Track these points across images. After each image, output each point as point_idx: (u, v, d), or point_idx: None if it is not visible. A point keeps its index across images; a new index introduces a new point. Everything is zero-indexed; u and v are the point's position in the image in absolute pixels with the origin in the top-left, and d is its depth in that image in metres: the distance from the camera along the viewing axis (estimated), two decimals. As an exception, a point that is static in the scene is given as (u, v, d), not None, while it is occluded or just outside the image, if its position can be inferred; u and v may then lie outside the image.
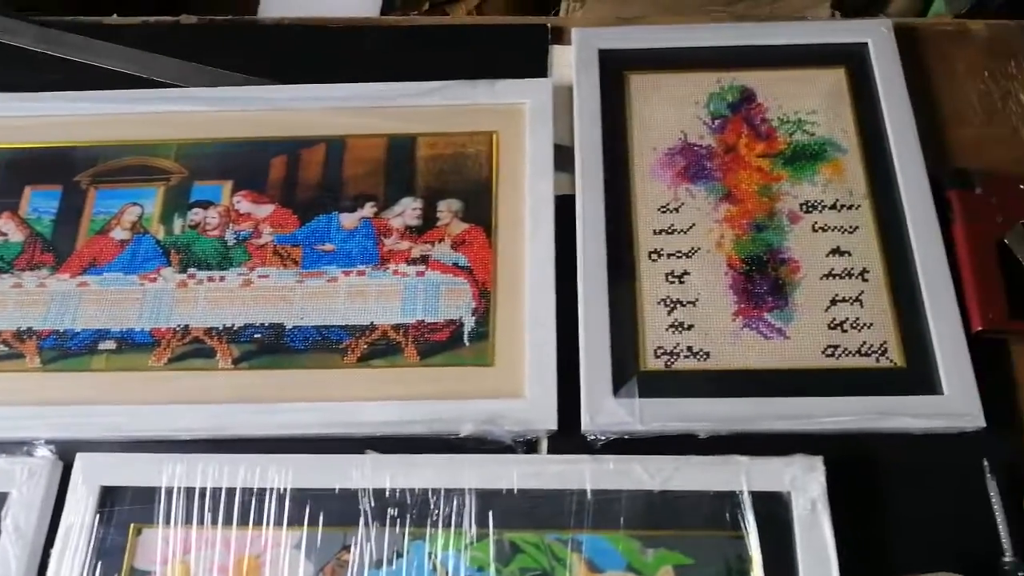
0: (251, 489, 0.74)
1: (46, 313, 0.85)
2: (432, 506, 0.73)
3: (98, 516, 0.74)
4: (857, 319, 0.80)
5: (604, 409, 0.76)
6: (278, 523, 0.73)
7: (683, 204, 0.87)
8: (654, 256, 0.84)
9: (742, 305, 0.82)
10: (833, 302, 0.81)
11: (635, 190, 0.87)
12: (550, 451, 0.77)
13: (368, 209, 0.88)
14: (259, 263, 0.86)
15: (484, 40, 1.01)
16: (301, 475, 0.75)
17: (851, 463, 0.74)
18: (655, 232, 0.85)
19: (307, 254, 0.87)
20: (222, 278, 0.86)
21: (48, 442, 0.78)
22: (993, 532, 0.71)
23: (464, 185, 0.89)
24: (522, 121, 0.91)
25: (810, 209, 0.86)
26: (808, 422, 0.75)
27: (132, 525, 0.74)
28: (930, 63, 0.95)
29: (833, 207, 0.86)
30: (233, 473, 0.75)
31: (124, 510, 0.75)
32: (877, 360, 0.78)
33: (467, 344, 0.81)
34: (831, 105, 0.91)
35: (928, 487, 0.75)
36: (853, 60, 0.93)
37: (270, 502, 0.74)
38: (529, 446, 0.77)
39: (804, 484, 0.72)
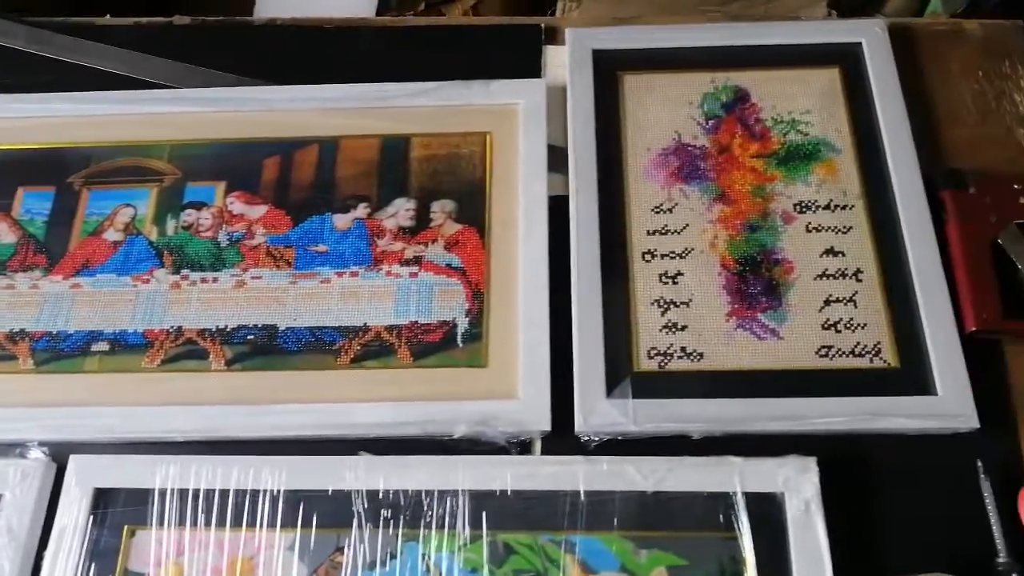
0: (244, 491, 0.74)
1: (39, 315, 0.85)
2: (426, 507, 0.73)
3: (91, 518, 0.74)
4: (851, 320, 0.80)
5: (597, 410, 0.76)
6: (271, 525, 0.73)
7: (677, 205, 0.87)
8: (648, 257, 0.84)
9: (736, 306, 0.81)
10: (827, 303, 0.81)
11: (629, 191, 0.87)
12: (544, 452, 0.77)
13: (361, 210, 0.88)
14: (252, 264, 0.86)
15: (478, 40, 1.01)
16: (294, 476, 0.75)
17: (845, 464, 0.74)
18: (649, 233, 0.85)
19: (300, 255, 0.86)
20: (215, 279, 0.86)
21: (41, 444, 0.78)
22: (987, 533, 0.71)
23: (458, 186, 0.89)
24: (516, 122, 0.90)
25: (804, 209, 0.86)
26: (802, 423, 0.75)
27: (126, 527, 0.74)
28: (924, 63, 0.95)
29: (827, 207, 0.86)
30: (226, 475, 0.75)
31: (117, 512, 0.75)
32: (871, 361, 0.78)
33: (460, 345, 0.81)
34: (825, 105, 0.91)
35: (922, 488, 0.75)
36: (847, 60, 0.93)
37: (263, 504, 0.74)
38: (523, 447, 0.77)
39: (798, 485, 0.72)
